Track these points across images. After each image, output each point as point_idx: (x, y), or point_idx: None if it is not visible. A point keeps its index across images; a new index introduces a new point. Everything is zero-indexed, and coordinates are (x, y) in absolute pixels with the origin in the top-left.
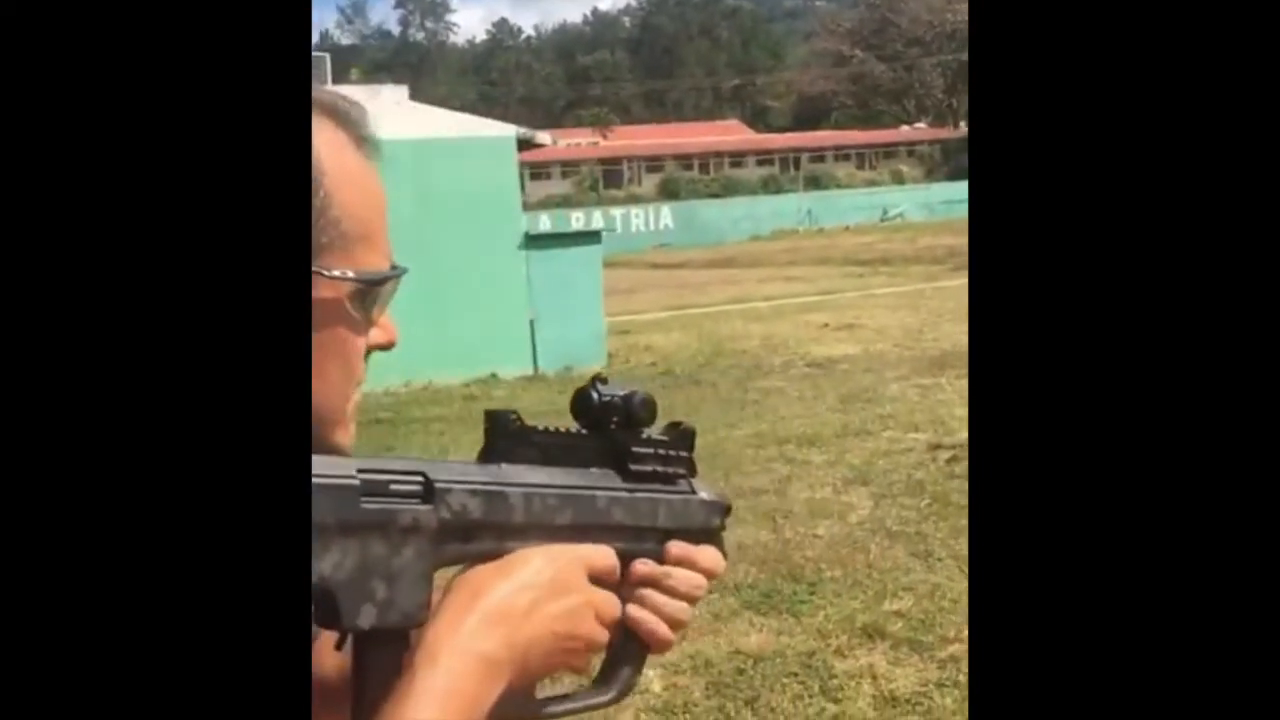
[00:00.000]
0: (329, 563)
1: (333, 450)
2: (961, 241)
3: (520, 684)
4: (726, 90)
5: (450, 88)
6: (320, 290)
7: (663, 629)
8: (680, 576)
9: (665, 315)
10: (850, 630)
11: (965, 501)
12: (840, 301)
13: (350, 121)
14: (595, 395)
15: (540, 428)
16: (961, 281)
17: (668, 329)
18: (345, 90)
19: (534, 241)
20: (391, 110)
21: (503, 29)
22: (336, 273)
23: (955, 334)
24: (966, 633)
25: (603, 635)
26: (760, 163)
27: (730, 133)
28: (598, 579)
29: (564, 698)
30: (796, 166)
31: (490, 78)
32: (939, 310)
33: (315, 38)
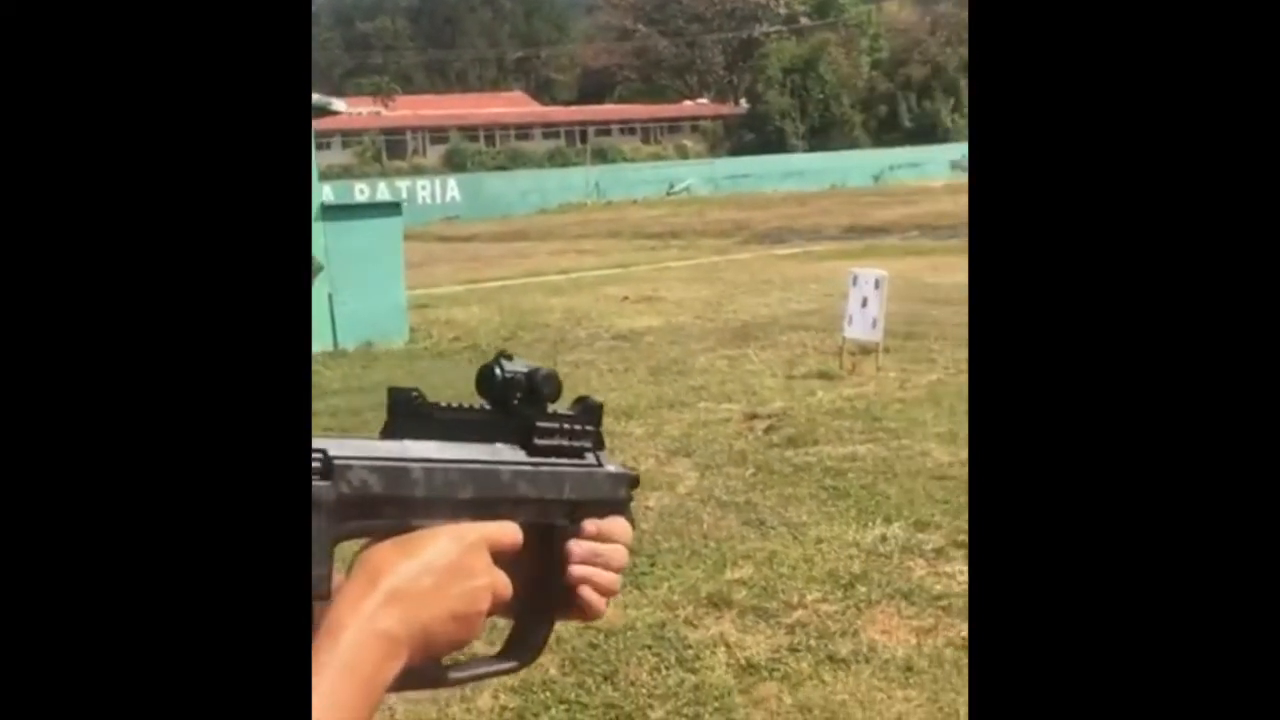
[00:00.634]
0: None
1: None
2: (747, 215)
3: (420, 659)
4: (510, 62)
5: None
6: None
7: (601, 601)
8: (611, 552)
9: (461, 289)
10: (696, 600)
11: (789, 470)
12: (636, 274)
13: None
14: (499, 372)
15: (443, 404)
16: (751, 255)
17: (466, 303)
18: None
19: (330, 213)
20: None
21: None
22: None
23: (753, 305)
24: (810, 598)
25: (493, 613)
26: (546, 135)
27: (515, 104)
28: (501, 555)
29: (470, 663)
30: (583, 140)
31: None
32: (734, 282)
33: None
